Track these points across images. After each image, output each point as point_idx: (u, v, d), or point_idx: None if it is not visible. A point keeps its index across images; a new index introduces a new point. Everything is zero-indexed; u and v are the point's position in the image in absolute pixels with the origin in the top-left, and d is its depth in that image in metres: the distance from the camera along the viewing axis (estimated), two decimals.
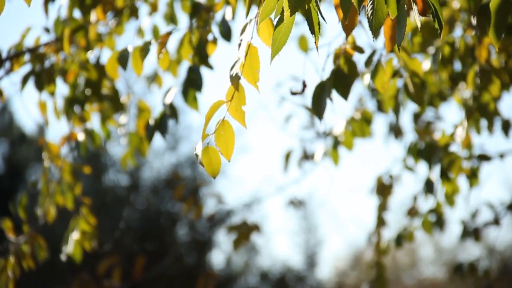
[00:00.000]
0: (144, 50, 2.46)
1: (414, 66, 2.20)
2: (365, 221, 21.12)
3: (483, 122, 3.05)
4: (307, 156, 4.34)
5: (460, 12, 2.88)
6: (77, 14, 2.93)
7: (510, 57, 2.56)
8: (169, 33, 2.46)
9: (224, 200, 4.76)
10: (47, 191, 3.22)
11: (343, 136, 3.35)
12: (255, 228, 4.13)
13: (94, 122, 3.24)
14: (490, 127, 2.76)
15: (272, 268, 13.63)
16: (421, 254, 15.77)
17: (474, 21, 2.37)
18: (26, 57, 2.98)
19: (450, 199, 3.42)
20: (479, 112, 2.62)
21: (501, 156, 3.66)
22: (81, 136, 3.17)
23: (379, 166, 19.90)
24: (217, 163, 1.64)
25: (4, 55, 2.94)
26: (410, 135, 4.20)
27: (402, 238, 4.00)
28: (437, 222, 3.80)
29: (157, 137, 2.62)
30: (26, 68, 2.98)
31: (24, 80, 2.95)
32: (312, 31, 1.51)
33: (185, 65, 2.89)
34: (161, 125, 2.60)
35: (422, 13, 1.50)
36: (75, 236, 3.25)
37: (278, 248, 20.62)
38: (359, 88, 4.02)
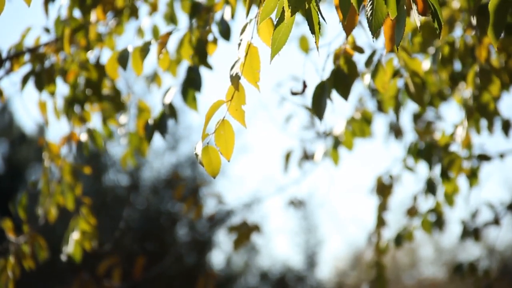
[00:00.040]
0: (144, 50, 2.46)
1: (415, 66, 2.20)
2: (365, 221, 21.14)
3: (483, 122, 3.05)
4: (307, 156, 4.34)
5: (460, 12, 2.88)
6: (77, 14, 2.93)
7: (510, 57, 2.56)
8: (169, 33, 2.46)
9: (224, 200, 4.76)
10: (48, 191, 3.22)
11: (343, 136, 3.35)
12: (255, 228, 4.13)
13: (95, 122, 3.24)
14: (490, 127, 2.76)
15: (272, 268, 13.63)
16: (421, 254, 15.78)
17: (474, 21, 2.37)
18: (26, 57, 2.98)
19: (449, 199, 3.42)
20: (479, 112, 2.62)
21: (501, 156, 3.66)
22: (83, 137, 3.17)
23: (379, 166, 19.90)
24: (217, 163, 1.64)
25: (4, 55, 2.94)
26: (410, 135, 4.21)
27: (401, 238, 4.00)
28: (437, 222, 3.80)
29: (157, 137, 2.62)
30: (26, 68, 2.98)
31: (24, 80, 2.95)
32: (312, 31, 1.51)
33: (184, 65, 2.89)
34: (160, 125, 2.60)
35: (423, 13, 1.50)
36: (75, 236, 3.25)
37: (278, 248, 20.63)
38: (359, 88, 4.02)
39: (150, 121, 2.62)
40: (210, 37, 2.51)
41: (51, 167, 3.26)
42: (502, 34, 1.73)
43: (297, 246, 14.29)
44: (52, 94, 3.01)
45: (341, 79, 2.07)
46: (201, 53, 2.49)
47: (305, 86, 2.20)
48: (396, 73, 2.24)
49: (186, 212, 4.42)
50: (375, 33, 1.43)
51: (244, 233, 4.12)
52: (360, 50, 2.11)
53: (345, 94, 2.08)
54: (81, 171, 3.29)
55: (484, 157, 3.35)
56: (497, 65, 2.53)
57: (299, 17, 3.50)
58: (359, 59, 3.15)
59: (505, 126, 3.40)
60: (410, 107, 3.90)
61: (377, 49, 2.19)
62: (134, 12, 3.12)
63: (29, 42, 3.00)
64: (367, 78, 2.46)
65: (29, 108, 3.97)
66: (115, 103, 3.12)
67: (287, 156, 4.29)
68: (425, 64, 2.85)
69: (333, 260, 16.60)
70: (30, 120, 16.30)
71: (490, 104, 2.60)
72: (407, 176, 6.62)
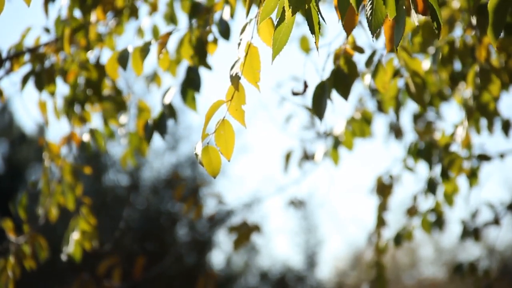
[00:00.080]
0: (144, 50, 2.46)
1: (415, 66, 2.20)
2: (365, 221, 21.14)
3: (483, 122, 3.05)
4: (307, 156, 4.34)
5: (460, 12, 2.88)
6: (77, 14, 2.93)
7: (510, 57, 2.56)
8: (169, 33, 2.46)
9: (224, 200, 4.76)
10: (48, 191, 3.22)
11: (343, 136, 3.35)
12: (255, 228, 4.13)
13: (95, 122, 3.24)
14: (490, 127, 2.76)
15: (272, 268, 13.63)
16: (421, 254, 15.78)
17: (474, 20, 2.37)
18: (26, 57, 2.98)
19: (449, 198, 3.42)
20: (479, 112, 2.62)
21: (501, 156, 3.66)
22: (86, 137, 3.17)
23: (379, 166, 19.91)
24: (217, 162, 1.64)
25: (4, 55, 2.94)
26: (410, 135, 4.21)
27: (401, 237, 4.00)
28: (437, 222, 3.80)
29: (157, 137, 2.62)
30: (26, 68, 2.98)
31: (24, 80, 2.95)
32: (312, 31, 1.51)
33: (184, 65, 2.89)
34: (159, 126, 2.60)
35: (423, 12, 1.50)
36: (75, 236, 3.25)
37: (278, 248, 20.63)
38: (359, 88, 4.02)
39: (150, 122, 2.62)
40: (210, 37, 2.51)
41: (51, 167, 3.26)
42: (502, 34, 1.73)
43: (297, 246, 14.30)
44: (52, 94, 3.01)
45: (341, 79, 2.07)
46: (201, 53, 2.49)
47: (306, 86, 2.20)
48: (396, 73, 2.24)
49: (186, 212, 4.42)
50: (375, 33, 1.44)
51: (244, 233, 4.11)
52: (360, 50, 2.11)
53: (345, 94, 2.08)
54: (81, 171, 3.29)
55: (484, 157, 3.35)
56: (497, 65, 2.53)
57: (299, 17, 3.50)
58: (359, 59, 3.16)
59: (505, 126, 3.39)
60: (410, 107, 3.91)
61: (377, 49, 2.20)
62: (134, 12, 3.12)
63: (29, 42, 3.00)
64: (368, 78, 2.46)
65: (29, 108, 3.97)
66: (116, 103, 3.12)
67: (287, 156, 4.29)
68: (425, 64, 2.85)
69: (333, 260, 16.61)
70: (30, 120, 16.30)
71: (490, 104, 2.60)
72: (407, 176, 6.62)
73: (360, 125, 3.29)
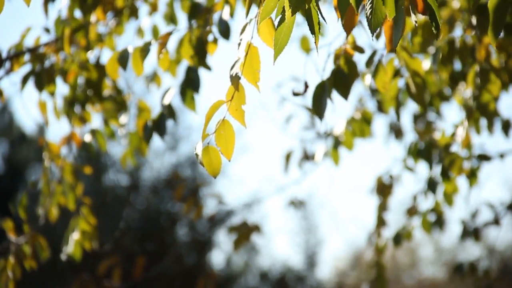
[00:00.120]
0: (144, 50, 2.46)
1: (415, 66, 2.20)
2: (365, 221, 21.14)
3: (483, 122, 3.05)
4: (307, 157, 4.34)
5: (460, 12, 2.88)
6: (77, 14, 2.93)
7: (510, 57, 2.57)
8: (169, 33, 2.46)
9: (224, 200, 4.75)
10: (48, 191, 3.22)
11: (343, 136, 3.35)
12: (255, 228, 4.13)
13: (96, 122, 3.24)
14: (490, 127, 2.76)
15: (272, 268, 13.63)
16: (421, 254, 15.78)
17: (474, 20, 2.37)
18: (26, 57, 2.98)
19: (449, 198, 3.42)
20: (479, 112, 2.62)
21: (501, 156, 3.66)
22: (87, 137, 3.17)
23: (379, 166, 19.91)
24: (217, 163, 1.64)
25: (4, 55, 2.94)
26: (410, 135, 4.21)
27: (400, 237, 4.00)
28: (437, 221, 3.80)
29: (157, 138, 2.62)
30: (26, 68, 2.98)
31: (24, 80, 2.95)
32: (312, 31, 1.51)
33: (184, 65, 2.89)
34: (159, 126, 2.60)
35: (423, 12, 1.50)
36: (75, 236, 3.25)
37: (278, 248, 20.63)
38: (359, 88, 4.02)
39: (149, 122, 2.62)
40: (210, 37, 2.51)
41: (51, 167, 3.26)
42: (502, 34, 1.73)
43: (297, 246, 14.29)
44: (52, 94, 3.01)
45: (341, 79, 2.08)
46: (201, 53, 2.49)
47: (306, 86, 2.20)
48: (397, 73, 2.24)
49: (186, 212, 4.42)
50: (375, 32, 1.44)
51: (244, 233, 4.12)
52: (361, 50, 2.11)
53: (345, 94, 2.08)
54: (81, 171, 3.29)
55: (484, 157, 3.35)
56: (497, 65, 2.53)
57: (300, 17, 3.50)
58: (360, 59, 3.16)
59: (505, 126, 3.39)
60: (411, 107, 3.91)
61: (378, 49, 2.20)
62: (134, 12, 3.12)
63: (29, 42, 3.00)
64: (368, 78, 2.46)
65: (29, 108, 3.97)
66: (117, 103, 3.12)
67: (287, 156, 4.29)
68: (425, 64, 2.85)
69: (333, 260, 16.61)
70: (30, 120, 16.29)
71: (490, 104, 2.60)
72: (407, 176, 6.62)
73: (360, 125, 3.29)
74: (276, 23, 1.54)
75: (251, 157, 25.34)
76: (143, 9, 5.16)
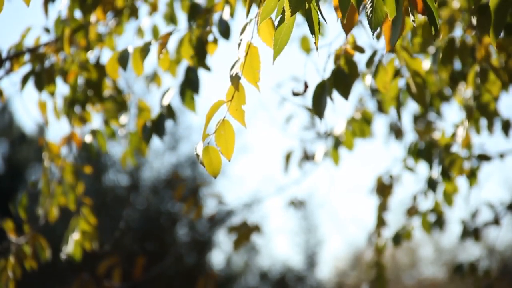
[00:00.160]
0: (144, 50, 2.46)
1: (416, 66, 2.20)
2: (365, 221, 21.14)
3: (483, 122, 3.05)
4: (307, 157, 4.34)
5: (460, 12, 2.88)
6: (77, 14, 2.93)
7: (510, 57, 2.57)
8: (169, 34, 2.46)
9: (224, 200, 4.75)
10: (48, 191, 3.22)
11: (344, 136, 3.36)
12: (255, 228, 4.13)
13: (96, 122, 3.25)
14: (490, 127, 2.76)
15: (272, 268, 13.63)
16: (421, 254, 15.78)
17: (474, 20, 2.37)
18: (26, 57, 2.98)
19: (449, 198, 3.42)
20: (479, 112, 2.62)
21: (501, 156, 3.66)
22: (88, 137, 3.17)
23: (379, 166, 19.91)
24: (217, 163, 1.64)
25: (4, 55, 2.94)
26: (410, 135, 4.21)
27: (400, 237, 4.00)
28: (437, 221, 3.80)
29: (156, 138, 2.62)
30: (26, 68, 2.98)
31: (24, 80, 2.95)
32: (312, 31, 1.51)
33: (184, 65, 2.89)
34: (158, 127, 2.60)
35: (422, 12, 1.50)
36: (75, 236, 3.25)
37: (278, 248, 20.63)
38: (359, 88, 4.02)
39: (148, 123, 2.62)
40: (210, 37, 2.51)
41: (51, 167, 3.26)
42: (502, 34, 1.73)
43: (297, 246, 14.30)
44: (52, 94, 3.01)
45: (342, 79, 2.08)
46: (201, 53, 2.49)
47: (306, 86, 2.20)
48: (397, 73, 2.24)
49: (186, 212, 4.42)
50: (375, 30, 1.44)
51: (244, 233, 4.11)
52: (361, 50, 2.11)
53: (345, 94, 2.08)
54: (81, 171, 3.29)
55: (484, 157, 3.35)
56: (497, 65, 2.53)
57: (300, 17, 3.50)
58: (360, 59, 3.16)
59: (505, 126, 3.39)
60: (411, 107, 3.91)
61: (378, 49, 2.20)
62: (134, 12, 3.12)
63: (29, 42, 3.00)
64: (368, 78, 2.46)
65: (29, 108, 3.97)
66: (117, 103, 3.12)
67: (288, 156, 4.29)
68: (425, 64, 2.85)
69: (333, 260, 16.61)
70: (30, 120, 16.29)
71: (490, 104, 2.60)
72: (407, 176, 6.62)
73: (360, 125, 3.29)
74: (276, 23, 1.54)
75: (251, 157, 25.34)
76: (143, 9, 5.16)
